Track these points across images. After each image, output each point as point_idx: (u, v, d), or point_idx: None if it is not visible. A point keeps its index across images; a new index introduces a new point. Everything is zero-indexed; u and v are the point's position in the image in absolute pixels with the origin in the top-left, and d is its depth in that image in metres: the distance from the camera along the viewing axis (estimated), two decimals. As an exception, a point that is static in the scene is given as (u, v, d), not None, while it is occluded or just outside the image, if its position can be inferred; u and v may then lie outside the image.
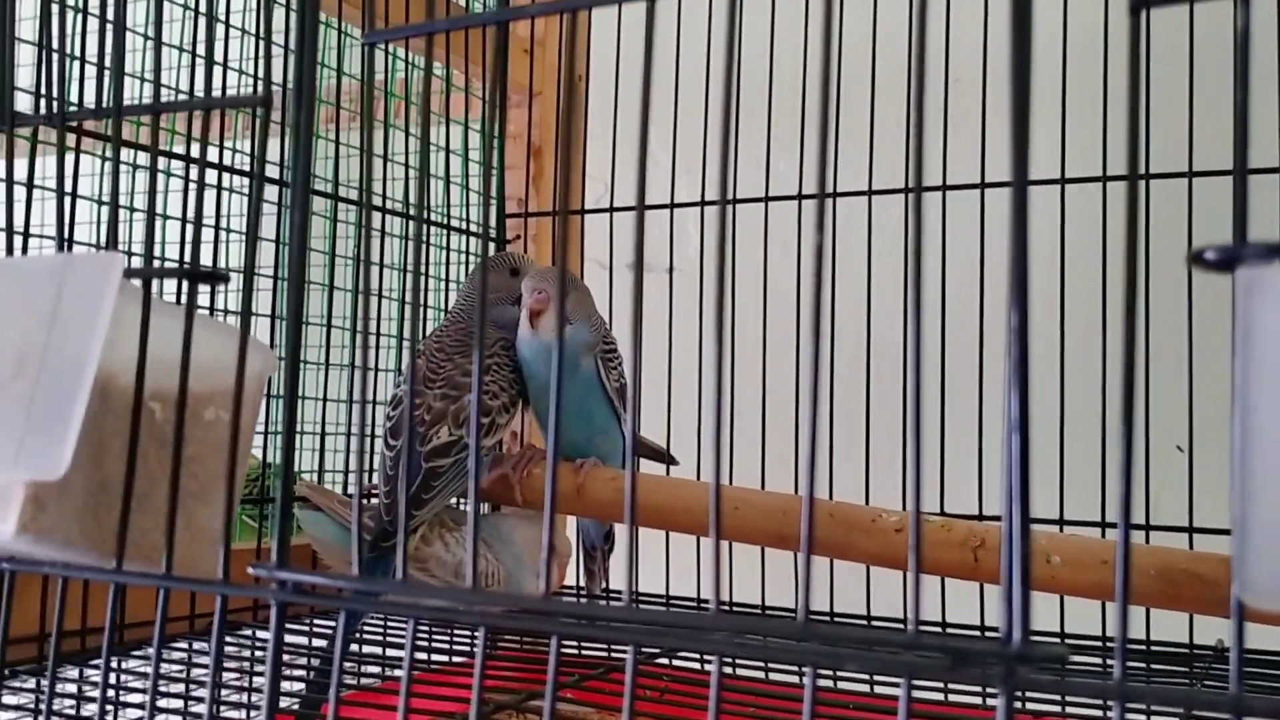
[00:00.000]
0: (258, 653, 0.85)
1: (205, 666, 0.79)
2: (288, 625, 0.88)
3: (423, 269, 1.12)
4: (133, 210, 0.96)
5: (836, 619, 1.01)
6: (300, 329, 0.47)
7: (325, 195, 1.02)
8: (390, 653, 0.90)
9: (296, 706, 0.78)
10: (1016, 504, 0.31)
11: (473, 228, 1.19)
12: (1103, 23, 0.96)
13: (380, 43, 0.41)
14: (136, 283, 0.46)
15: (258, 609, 0.94)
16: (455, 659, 0.93)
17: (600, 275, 1.20)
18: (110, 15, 0.53)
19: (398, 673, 0.83)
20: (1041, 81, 0.95)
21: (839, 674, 0.83)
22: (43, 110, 0.54)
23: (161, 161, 0.93)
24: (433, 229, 1.16)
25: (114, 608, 0.48)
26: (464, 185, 1.20)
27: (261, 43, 0.95)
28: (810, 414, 0.31)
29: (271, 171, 1.08)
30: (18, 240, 0.58)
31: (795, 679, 0.92)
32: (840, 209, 1.05)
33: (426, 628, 0.94)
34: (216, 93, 0.98)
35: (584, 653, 0.94)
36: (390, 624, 0.94)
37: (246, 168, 0.99)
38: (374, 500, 0.94)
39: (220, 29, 0.93)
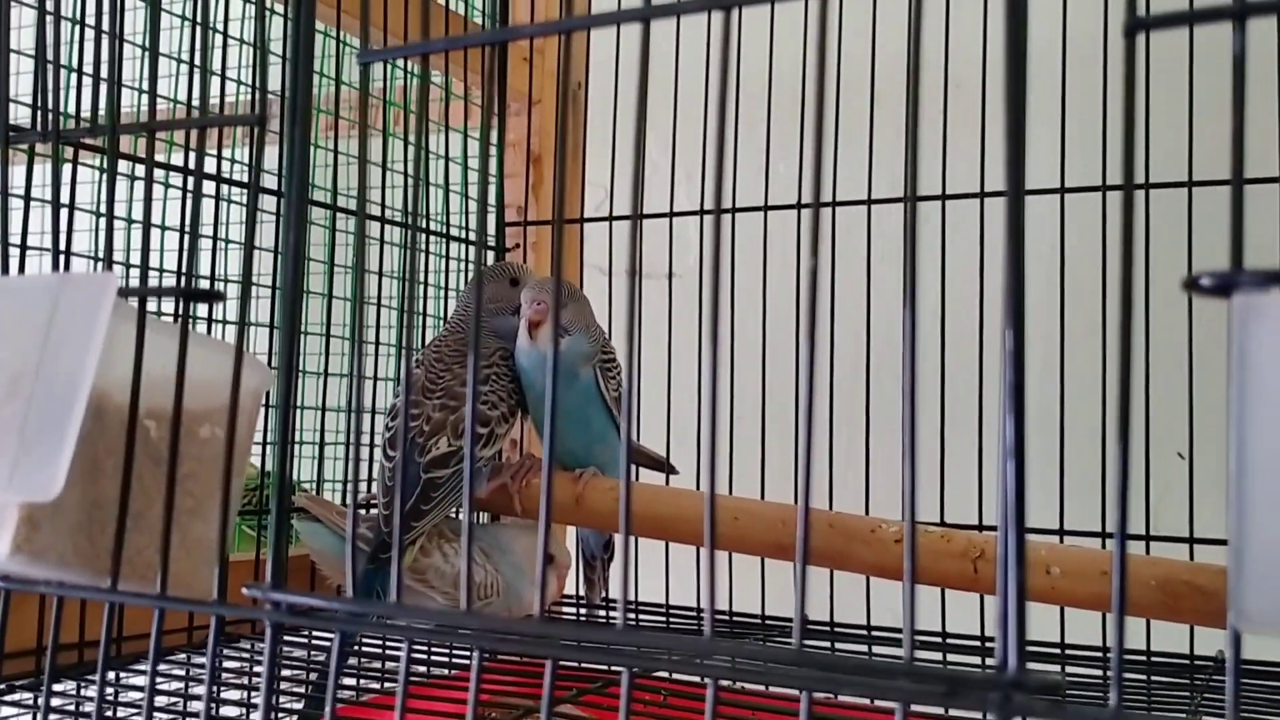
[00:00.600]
0: (256, 667, 0.85)
1: (204, 681, 0.78)
2: (286, 637, 0.88)
3: (421, 277, 1.12)
4: (130, 222, 0.96)
5: (836, 628, 1.00)
6: (294, 343, 0.47)
7: (324, 205, 1.02)
8: (390, 665, 0.90)
9: (295, 720, 0.78)
10: (1012, 529, 0.31)
11: (472, 236, 1.19)
12: (1102, 31, 0.96)
13: (375, 61, 0.40)
14: (132, 300, 0.46)
15: (256, 621, 0.93)
16: (455, 670, 0.93)
17: (600, 282, 1.20)
18: (106, 25, 0.53)
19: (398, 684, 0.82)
20: (1042, 91, 0.95)
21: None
22: (41, 121, 0.54)
23: (159, 173, 0.93)
24: (432, 237, 1.16)
25: (109, 626, 0.48)
26: (463, 193, 1.19)
27: (258, 54, 0.95)
28: (806, 443, 0.31)
29: (272, 177, 1.08)
30: (14, 253, 0.58)
31: (796, 691, 0.92)
32: (840, 216, 1.05)
33: (425, 641, 0.94)
34: (214, 100, 0.98)
35: (583, 664, 0.94)
36: (390, 634, 0.94)
37: (244, 178, 0.98)
38: (374, 510, 0.93)
39: (218, 38, 0.93)
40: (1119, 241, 0.31)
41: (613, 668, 0.83)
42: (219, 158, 0.96)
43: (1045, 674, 0.30)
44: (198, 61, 0.71)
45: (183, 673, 0.82)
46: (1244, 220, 0.29)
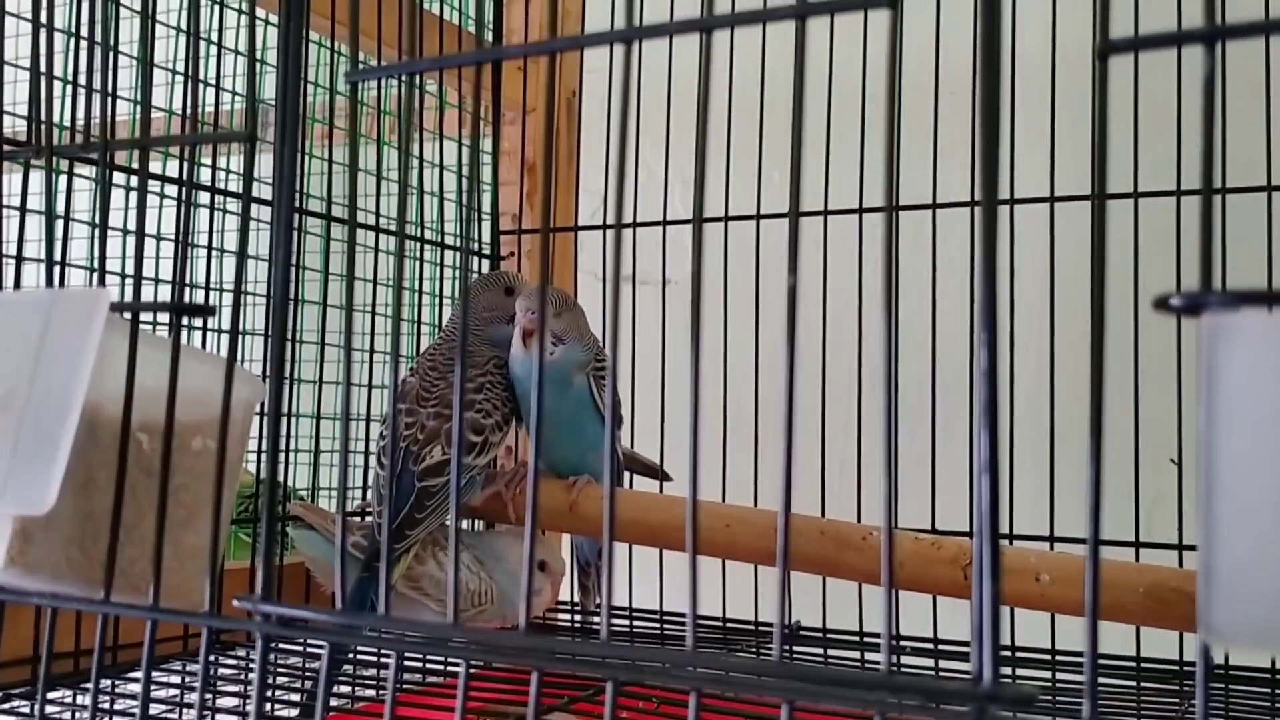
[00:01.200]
0: (251, 674, 0.85)
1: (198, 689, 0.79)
2: (280, 645, 0.88)
3: (416, 285, 1.12)
4: (125, 232, 0.96)
5: (829, 635, 1.01)
6: (284, 351, 0.47)
7: (318, 215, 1.02)
8: (384, 674, 0.90)
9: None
10: (986, 543, 0.32)
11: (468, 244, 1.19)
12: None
13: (364, 80, 0.41)
14: (125, 314, 0.47)
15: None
16: (449, 677, 0.93)
17: (594, 288, 1.21)
18: (99, 37, 0.53)
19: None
20: (1032, 99, 0.95)
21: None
22: (34, 135, 0.55)
23: (153, 183, 0.94)
24: (426, 245, 1.16)
25: (102, 637, 0.48)
26: (458, 201, 1.20)
27: (251, 66, 0.95)
28: (785, 461, 0.32)
29: (267, 185, 1.09)
30: (9, 264, 0.58)
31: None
32: (832, 225, 1.05)
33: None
34: (209, 109, 0.99)
35: (575, 671, 0.94)
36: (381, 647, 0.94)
37: (238, 187, 0.99)
38: (369, 519, 0.94)
39: (212, 48, 0.93)
40: (1112, 248, 0.31)
41: (599, 678, 0.84)
42: (214, 167, 0.97)
43: (1019, 686, 0.30)
44: (191, 73, 0.71)
45: (178, 680, 0.82)
46: (1212, 243, 0.29)
